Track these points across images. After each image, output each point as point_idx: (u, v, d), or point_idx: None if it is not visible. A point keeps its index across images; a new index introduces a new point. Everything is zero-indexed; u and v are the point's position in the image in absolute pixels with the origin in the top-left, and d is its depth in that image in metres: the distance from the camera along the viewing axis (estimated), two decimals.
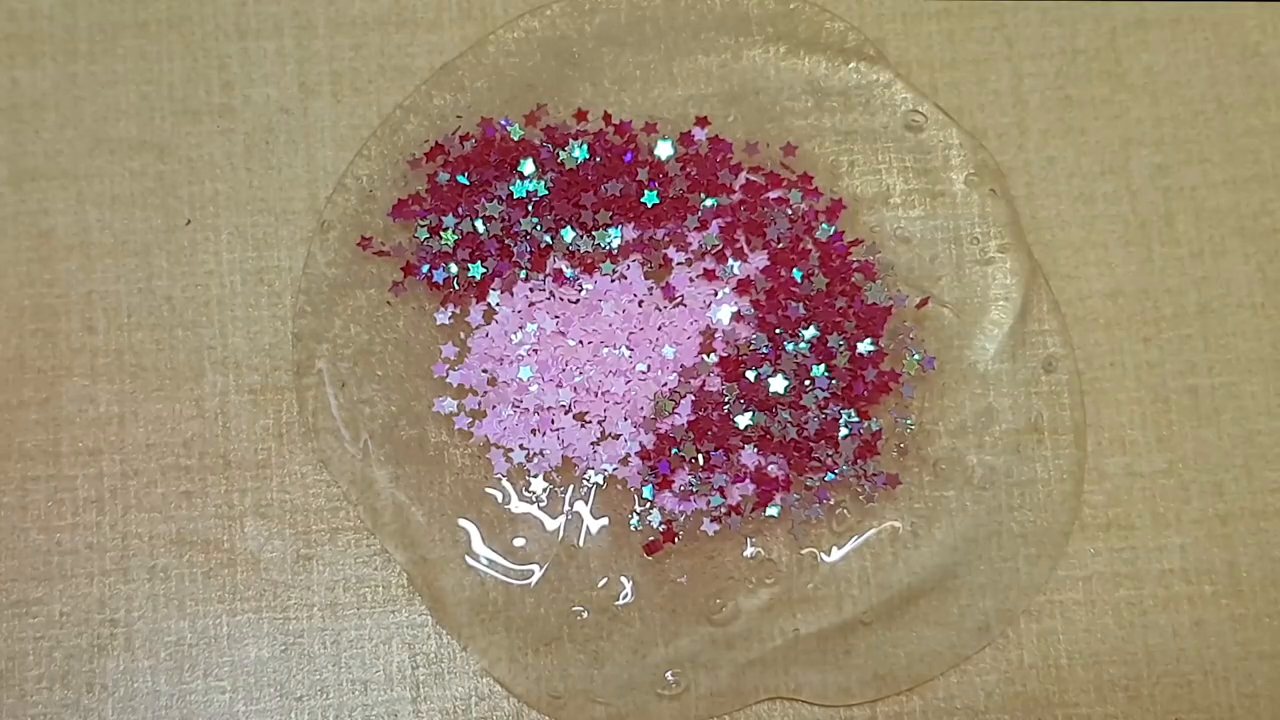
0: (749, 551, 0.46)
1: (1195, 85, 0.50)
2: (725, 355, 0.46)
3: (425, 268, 0.46)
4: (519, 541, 0.46)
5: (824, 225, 0.47)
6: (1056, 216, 0.49)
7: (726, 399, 0.45)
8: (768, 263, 0.46)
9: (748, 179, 0.47)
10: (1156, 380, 0.48)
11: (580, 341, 0.46)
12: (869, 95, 0.49)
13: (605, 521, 0.46)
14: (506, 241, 0.46)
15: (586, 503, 0.46)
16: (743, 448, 0.45)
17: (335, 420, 0.46)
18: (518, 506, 0.46)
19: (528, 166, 0.46)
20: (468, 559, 0.45)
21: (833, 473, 0.45)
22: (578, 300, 0.46)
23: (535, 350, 0.46)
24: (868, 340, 0.46)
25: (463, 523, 0.45)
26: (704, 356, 0.46)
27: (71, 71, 0.49)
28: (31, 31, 0.49)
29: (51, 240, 0.48)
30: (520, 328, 0.46)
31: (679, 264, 0.46)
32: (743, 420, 0.45)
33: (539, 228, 0.46)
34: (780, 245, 0.46)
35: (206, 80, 0.49)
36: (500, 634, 0.45)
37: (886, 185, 0.48)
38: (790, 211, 0.47)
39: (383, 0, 0.50)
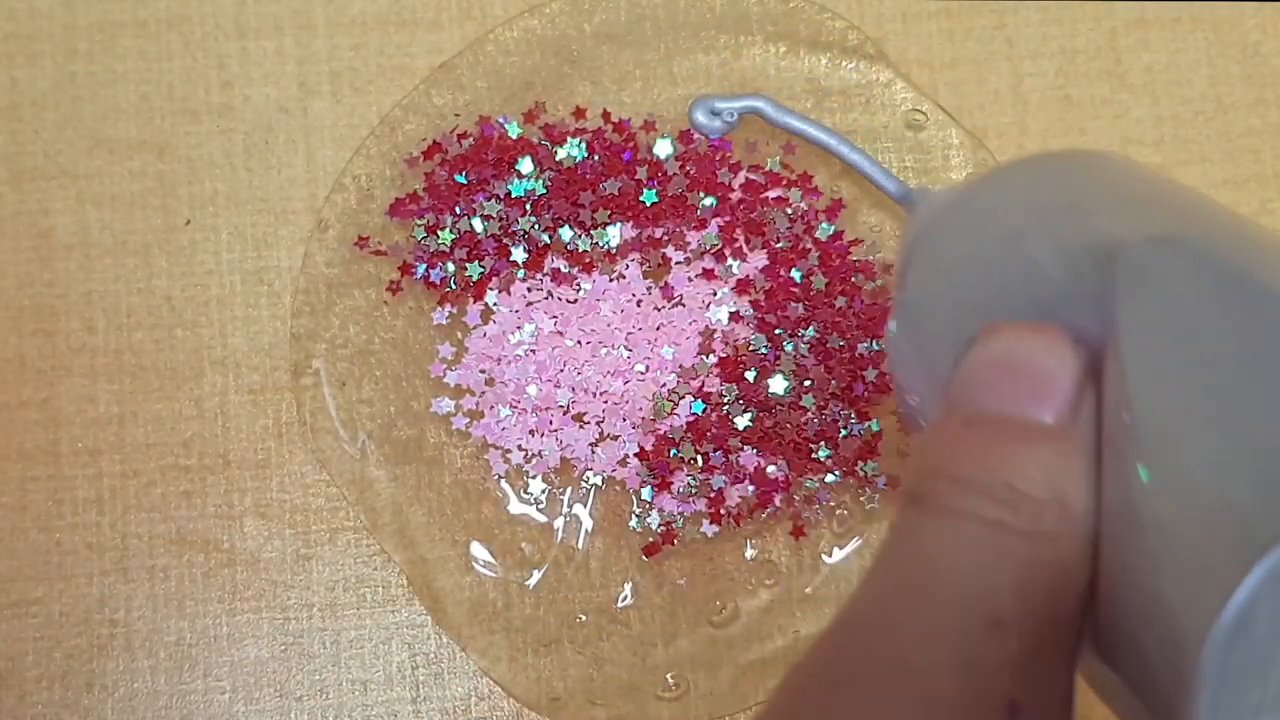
0: (749, 553, 0.46)
1: (1195, 85, 0.50)
2: (724, 356, 0.46)
3: (422, 267, 0.46)
4: (518, 543, 0.46)
5: (824, 224, 0.47)
6: None
7: (726, 400, 0.45)
8: (767, 262, 0.46)
9: (747, 178, 0.47)
10: None
11: (578, 342, 0.46)
12: (869, 94, 0.49)
13: (604, 523, 0.46)
14: (504, 240, 0.46)
15: (585, 504, 0.46)
16: (742, 449, 0.45)
17: (333, 420, 0.46)
18: (516, 508, 0.46)
19: (526, 165, 0.46)
20: (467, 560, 0.45)
21: (832, 474, 0.45)
22: (576, 300, 0.46)
23: (533, 350, 0.46)
24: (868, 340, 0.46)
25: (461, 523, 0.45)
26: (703, 357, 0.46)
27: (71, 71, 0.49)
28: (31, 31, 0.49)
29: (51, 240, 0.48)
30: (518, 328, 0.46)
31: (678, 263, 0.46)
32: (742, 421, 0.45)
33: (537, 227, 0.46)
34: (780, 245, 0.46)
35: (206, 80, 0.49)
36: (499, 635, 0.45)
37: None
38: (790, 211, 0.47)
39: (382, 0, 0.49)
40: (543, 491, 0.46)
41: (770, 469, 0.45)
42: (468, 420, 0.46)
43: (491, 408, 0.46)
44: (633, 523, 0.45)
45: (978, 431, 0.24)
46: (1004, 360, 0.25)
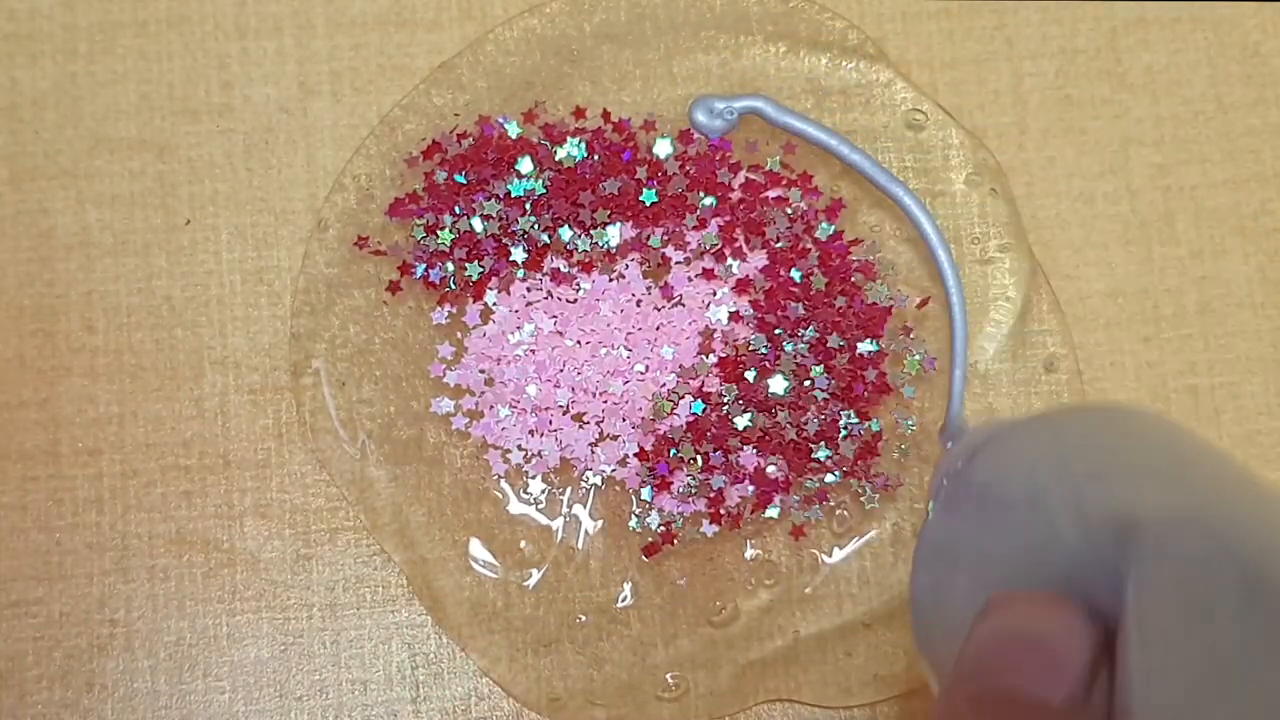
0: (749, 553, 0.46)
1: (1195, 85, 0.50)
2: (724, 356, 0.46)
3: (421, 267, 0.46)
4: (518, 543, 0.46)
5: (824, 224, 0.47)
6: (1056, 216, 0.49)
7: (725, 400, 0.45)
8: (767, 262, 0.46)
9: (747, 178, 0.47)
10: (1156, 380, 0.48)
11: (578, 342, 0.46)
12: (869, 94, 0.49)
13: (604, 523, 0.46)
14: (504, 240, 0.46)
15: (585, 504, 0.46)
16: (742, 449, 0.45)
17: (333, 420, 0.46)
18: (516, 508, 0.46)
19: (525, 165, 0.46)
20: (466, 560, 0.45)
21: (832, 474, 0.45)
22: (575, 300, 0.46)
23: (533, 350, 0.46)
24: (868, 340, 0.46)
25: (461, 524, 0.45)
26: (703, 357, 0.46)
27: (71, 71, 0.49)
28: (31, 31, 0.49)
29: (51, 240, 0.48)
30: (518, 328, 0.46)
31: (678, 263, 0.46)
32: (741, 421, 0.45)
33: (536, 227, 0.46)
34: (779, 245, 0.46)
35: (206, 80, 0.49)
36: (499, 635, 0.45)
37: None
38: (790, 211, 0.47)
39: (382, 0, 0.49)
40: (542, 491, 0.46)
41: (770, 469, 0.45)
42: (467, 420, 0.46)
43: (491, 408, 0.46)
44: (632, 523, 0.45)
45: (986, 712, 0.24)
46: (1015, 635, 0.24)
